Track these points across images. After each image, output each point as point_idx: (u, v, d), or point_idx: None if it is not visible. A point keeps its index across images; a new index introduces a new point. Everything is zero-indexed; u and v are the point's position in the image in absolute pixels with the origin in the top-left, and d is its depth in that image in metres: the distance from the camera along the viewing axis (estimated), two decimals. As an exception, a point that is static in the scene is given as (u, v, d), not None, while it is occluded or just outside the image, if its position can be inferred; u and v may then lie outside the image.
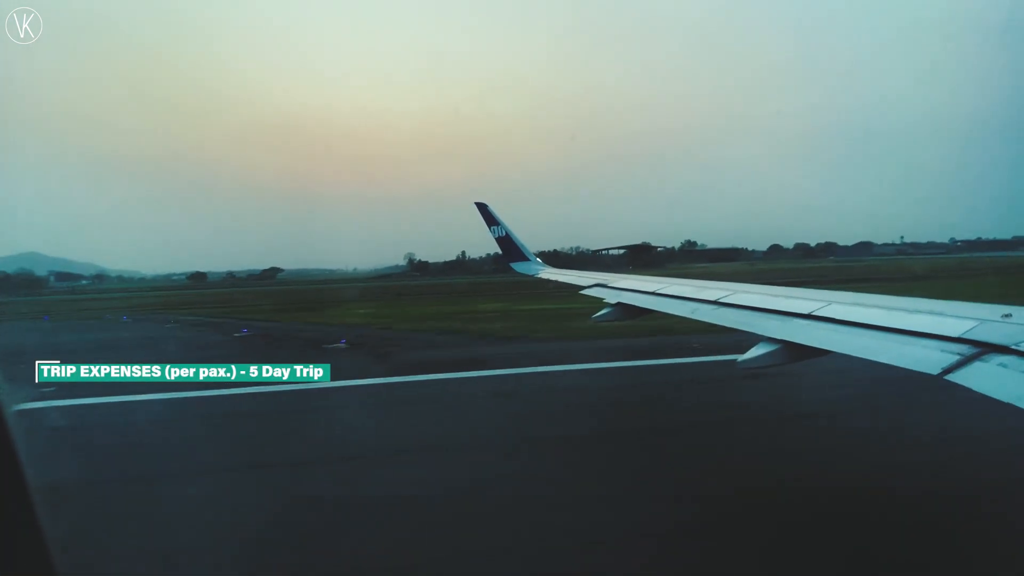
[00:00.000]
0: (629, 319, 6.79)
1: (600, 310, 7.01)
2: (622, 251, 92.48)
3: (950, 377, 2.51)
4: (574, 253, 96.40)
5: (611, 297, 7.10)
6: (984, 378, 2.40)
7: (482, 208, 12.43)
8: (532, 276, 11.55)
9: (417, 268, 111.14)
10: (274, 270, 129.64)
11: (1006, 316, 2.81)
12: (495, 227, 12.27)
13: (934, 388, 2.67)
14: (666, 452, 6.76)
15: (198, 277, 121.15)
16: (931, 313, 3.20)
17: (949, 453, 6.27)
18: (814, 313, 3.83)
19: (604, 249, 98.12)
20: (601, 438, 7.43)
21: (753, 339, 3.93)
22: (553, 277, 10.65)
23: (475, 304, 29.77)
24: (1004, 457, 5.92)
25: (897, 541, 4.49)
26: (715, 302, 5.03)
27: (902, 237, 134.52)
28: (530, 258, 12.28)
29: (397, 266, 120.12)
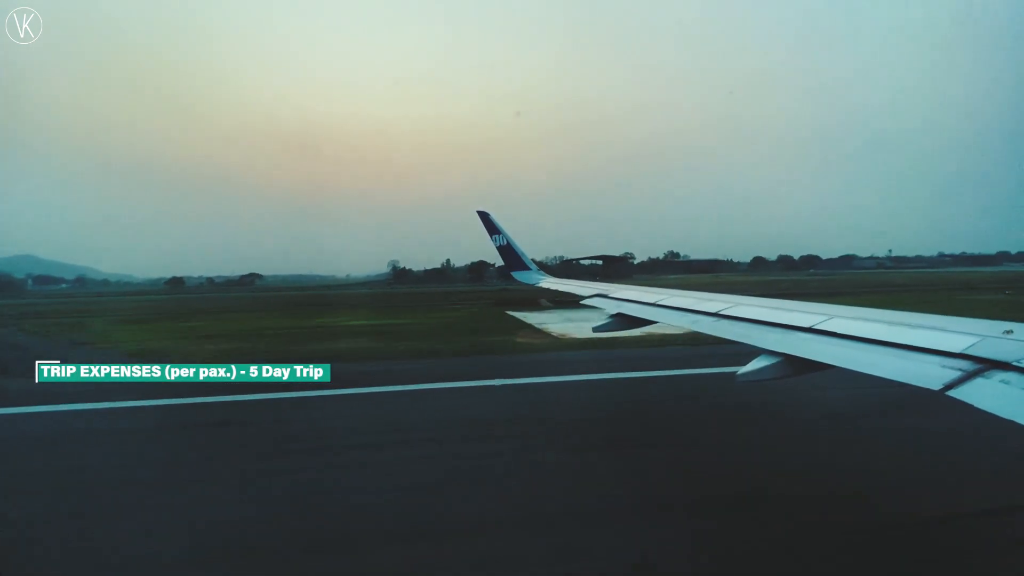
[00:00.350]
0: (628, 329, 6.80)
1: (600, 321, 7.00)
2: (597, 261, 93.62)
3: (952, 393, 2.49)
4: (556, 263, 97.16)
5: (611, 308, 7.09)
6: (986, 395, 2.38)
7: (484, 217, 12.46)
8: (533, 285, 11.56)
9: (397, 276, 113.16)
10: (253, 276, 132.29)
11: (1007, 332, 2.81)
12: (496, 236, 12.30)
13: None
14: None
15: (175, 282, 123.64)
16: (932, 328, 3.19)
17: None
18: (815, 327, 3.82)
19: (577, 259, 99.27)
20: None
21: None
22: (554, 287, 10.65)
23: (320, 319, 28.98)
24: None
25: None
26: (715, 314, 5.03)
27: (890, 250, 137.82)
28: (531, 268, 12.29)
29: (384, 273, 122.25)
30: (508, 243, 12.24)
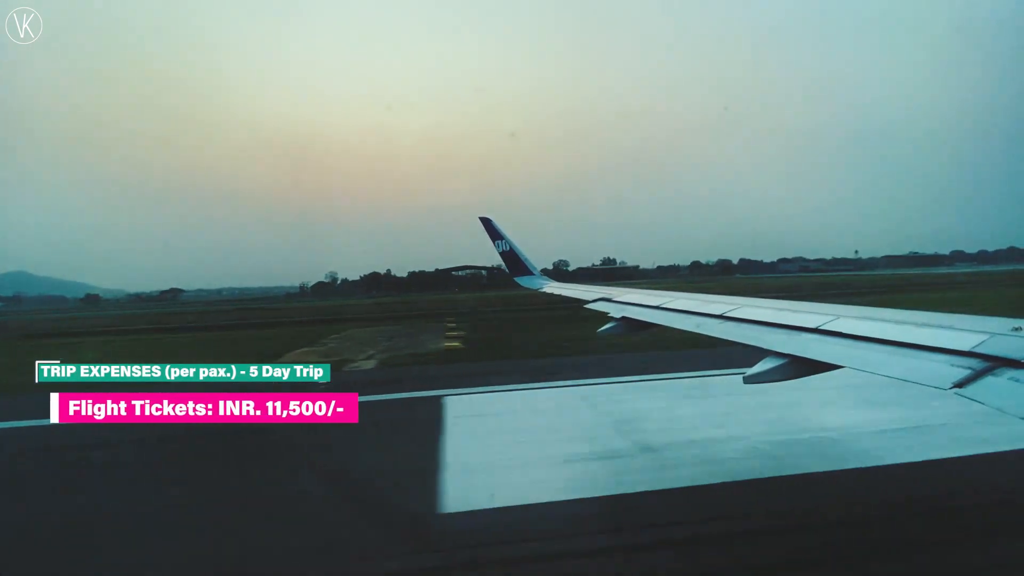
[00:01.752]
0: (633, 333, 6.77)
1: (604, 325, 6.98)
2: (481, 271, 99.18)
3: (962, 392, 2.47)
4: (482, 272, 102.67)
5: (615, 311, 7.06)
6: (996, 392, 2.37)
7: (486, 223, 12.46)
8: (537, 290, 11.54)
9: (314, 289, 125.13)
10: (175, 291, 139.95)
11: (1016, 329, 2.79)
12: (499, 241, 12.30)
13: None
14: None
15: (91, 300, 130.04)
16: (940, 327, 3.18)
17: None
18: (822, 327, 3.81)
19: (458, 268, 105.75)
20: None
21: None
22: (557, 291, 10.63)
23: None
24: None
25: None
26: (720, 316, 5.01)
27: (856, 251, 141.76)
28: (534, 272, 12.29)
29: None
30: (511, 248, 12.24)
